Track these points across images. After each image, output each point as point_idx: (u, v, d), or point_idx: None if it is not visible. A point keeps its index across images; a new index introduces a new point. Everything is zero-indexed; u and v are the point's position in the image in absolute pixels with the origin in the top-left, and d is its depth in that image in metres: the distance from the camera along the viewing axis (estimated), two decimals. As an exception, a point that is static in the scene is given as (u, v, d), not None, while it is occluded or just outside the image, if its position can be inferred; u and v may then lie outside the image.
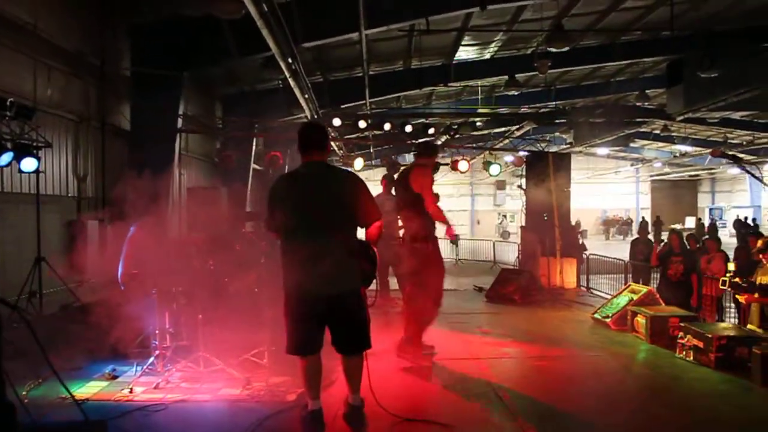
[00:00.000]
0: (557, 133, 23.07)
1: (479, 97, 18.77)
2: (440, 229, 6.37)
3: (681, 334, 6.48)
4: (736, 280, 7.42)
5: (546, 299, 9.95)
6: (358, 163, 11.21)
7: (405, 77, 15.87)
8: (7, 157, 6.77)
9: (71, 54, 8.98)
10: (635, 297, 8.03)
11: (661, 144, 28.58)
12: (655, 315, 7.14)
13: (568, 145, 23.27)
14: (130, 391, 5.12)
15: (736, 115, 19.26)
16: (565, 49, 12.14)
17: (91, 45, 9.49)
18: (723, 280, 7.59)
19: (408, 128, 12.71)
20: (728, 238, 26.38)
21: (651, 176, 42.36)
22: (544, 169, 11.86)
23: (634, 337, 7.32)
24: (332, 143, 17.97)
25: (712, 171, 37.94)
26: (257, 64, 12.29)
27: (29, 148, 7.09)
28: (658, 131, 23.61)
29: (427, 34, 11.47)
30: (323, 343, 4.27)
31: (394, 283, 9.37)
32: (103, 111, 9.93)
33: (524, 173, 13.28)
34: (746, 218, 31.70)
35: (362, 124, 13.39)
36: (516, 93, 17.12)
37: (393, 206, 9.11)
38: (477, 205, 43.58)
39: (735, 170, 34.66)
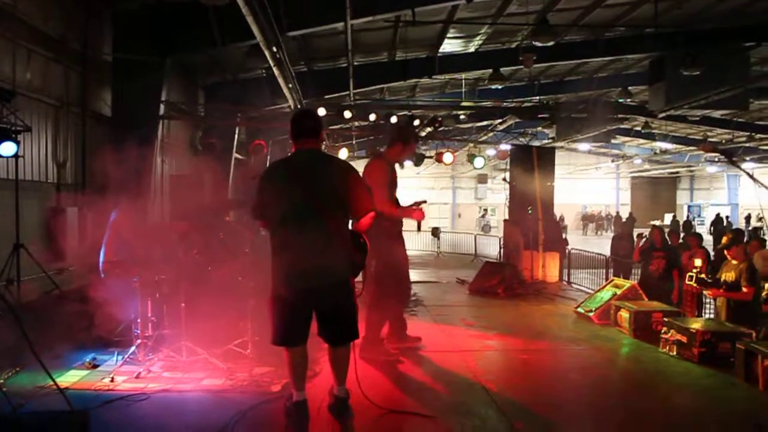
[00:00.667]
0: (540, 128, 23.10)
1: (463, 90, 18.75)
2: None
3: (664, 329, 6.51)
4: (702, 276, 7.54)
5: (529, 293, 9.97)
6: (343, 153, 11.12)
7: (389, 68, 15.81)
8: (-15, 140, 6.62)
9: (52, 38, 8.81)
10: (619, 291, 8.07)
11: (641, 141, 28.84)
12: (638, 310, 7.17)
13: (550, 140, 23.36)
14: (112, 381, 5.02)
15: (716, 114, 19.42)
16: (550, 43, 12.15)
17: (73, 30, 9.33)
18: (690, 276, 7.74)
19: (393, 119, 12.64)
20: (706, 236, 26.67)
21: (631, 173, 42.76)
22: (529, 163, 11.88)
23: (618, 331, 7.35)
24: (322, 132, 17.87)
25: (691, 168, 38.37)
26: (241, 53, 12.18)
27: (8, 132, 6.93)
28: (639, 128, 23.78)
29: (412, 25, 11.42)
30: (309, 334, 4.22)
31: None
32: (84, 96, 9.78)
33: (508, 167, 13.29)
34: (728, 217, 32.15)
35: (347, 114, 13.29)
36: (500, 87, 17.09)
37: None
38: (458, 199, 43.72)
39: (713, 168, 35.10)
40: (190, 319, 5.46)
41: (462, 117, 19.00)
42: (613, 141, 27.37)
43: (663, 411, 4.86)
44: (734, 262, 7.49)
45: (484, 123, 22.94)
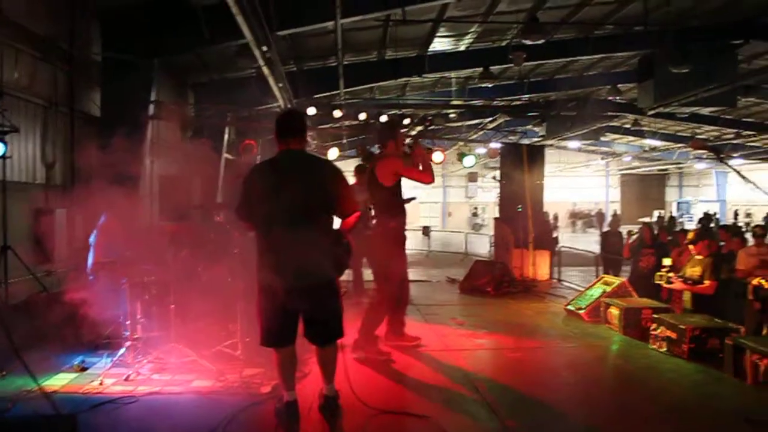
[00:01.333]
0: (530, 126, 23.15)
1: (453, 88, 18.76)
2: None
3: (654, 325, 6.54)
4: (670, 274, 7.65)
5: (519, 291, 9.97)
6: (333, 153, 11.10)
7: (380, 67, 15.79)
8: (-27, 141, 6.57)
9: (40, 37, 8.73)
10: (608, 289, 8.10)
11: (631, 138, 28.93)
12: (628, 306, 7.19)
13: (540, 138, 23.42)
14: (101, 383, 4.99)
15: (705, 111, 19.55)
16: (540, 41, 12.17)
17: (60, 29, 9.25)
18: (659, 275, 7.87)
19: (383, 118, 12.63)
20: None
21: (620, 170, 42.95)
22: (519, 161, 11.90)
23: (608, 328, 7.37)
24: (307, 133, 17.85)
25: (680, 165, 38.61)
26: (231, 52, 12.12)
27: (-4, 132, 6.89)
28: (628, 125, 23.89)
29: (402, 24, 11.41)
30: (297, 334, 4.21)
31: (368, 274, 9.33)
32: (73, 96, 9.70)
33: (498, 165, 13.32)
34: (715, 213, 32.36)
35: (337, 113, 13.28)
36: (490, 85, 17.12)
37: (365, 197, 9.09)
38: (449, 197, 43.75)
39: (702, 165, 35.29)
40: (179, 321, 5.44)
41: (452, 115, 19.02)
42: (602, 138, 27.46)
43: (653, 407, 4.87)
44: (699, 257, 7.65)
45: (475, 121, 22.96)
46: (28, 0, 8.53)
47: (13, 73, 8.18)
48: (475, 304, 8.99)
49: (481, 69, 15.72)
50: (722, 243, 10.58)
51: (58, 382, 5.08)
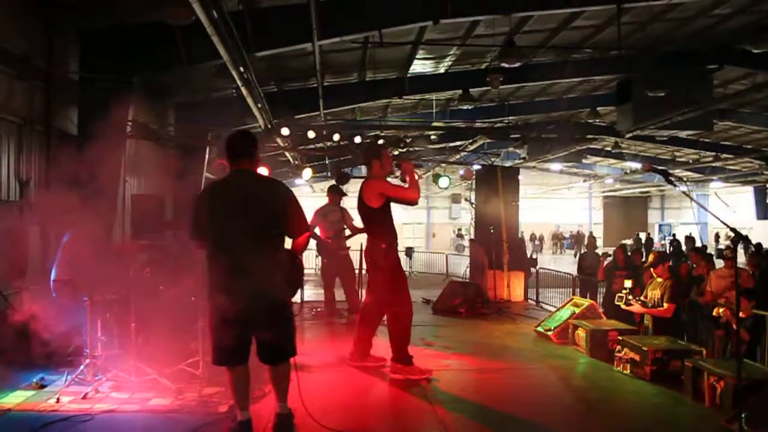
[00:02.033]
0: (511, 148, 23.34)
1: (434, 110, 18.91)
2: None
3: (618, 347, 6.58)
4: (630, 297, 7.76)
5: (492, 312, 9.99)
6: (306, 173, 11.13)
7: (360, 89, 15.92)
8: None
9: (15, 55, 8.75)
10: (577, 310, 8.13)
11: (612, 161, 29.25)
12: (595, 328, 7.22)
13: (522, 160, 23.60)
14: (57, 401, 4.96)
15: (683, 134, 19.79)
16: (517, 64, 12.33)
17: (37, 47, 9.28)
18: (619, 296, 7.91)
19: (357, 139, 12.70)
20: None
21: (603, 192, 43.25)
22: (493, 183, 11.99)
23: (575, 350, 7.40)
24: (286, 153, 17.91)
25: (662, 188, 38.90)
26: (210, 73, 12.19)
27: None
28: (609, 148, 24.13)
29: (380, 46, 11.53)
30: (250, 354, 4.22)
31: (340, 294, 9.36)
32: (49, 115, 9.71)
33: (473, 187, 13.41)
34: (700, 238, 32.57)
35: (311, 134, 13.37)
36: (469, 107, 17.26)
37: (339, 217, 9.14)
38: (432, 218, 43.82)
39: (683, 188, 35.54)
40: (141, 339, 5.43)
41: (433, 137, 19.14)
42: (584, 161, 27.71)
43: (610, 429, 4.90)
44: (659, 279, 7.69)
45: (458, 143, 23.12)
46: (3, 18, 8.57)
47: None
48: (447, 325, 9.00)
49: (460, 91, 15.92)
50: (694, 266, 10.69)
51: (15, 399, 5.04)
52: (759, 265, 10.14)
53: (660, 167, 5.26)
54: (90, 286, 5.45)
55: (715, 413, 5.09)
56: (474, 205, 10.71)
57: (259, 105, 12.20)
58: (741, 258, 12.11)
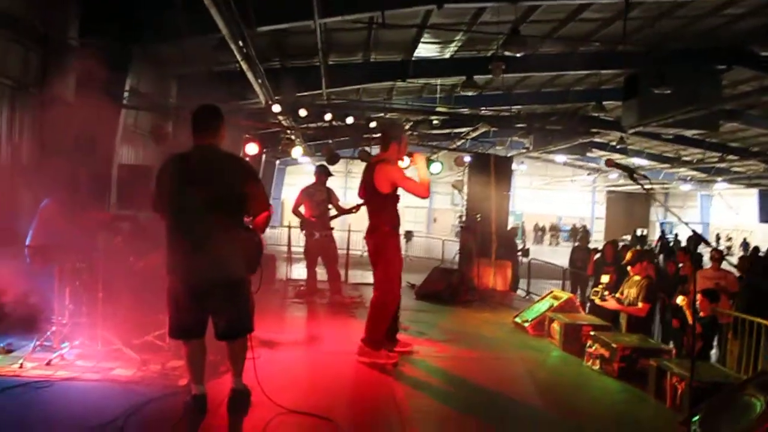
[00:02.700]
0: (516, 137, 23.26)
1: (438, 95, 18.81)
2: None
3: (590, 342, 6.58)
4: (606, 292, 7.79)
5: (475, 300, 9.99)
6: (296, 151, 11.12)
7: (364, 69, 15.84)
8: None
9: (12, 17, 8.75)
10: (556, 303, 8.13)
11: (617, 156, 29.07)
12: (569, 322, 7.22)
13: (525, 150, 23.51)
14: (20, 366, 5.00)
15: (689, 133, 19.65)
16: (520, 54, 12.24)
17: (36, 11, 9.26)
18: (595, 291, 7.98)
19: (349, 120, 12.63)
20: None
21: (607, 186, 43.09)
22: (486, 172, 11.95)
23: (549, 342, 7.41)
24: (289, 132, 17.89)
25: (666, 186, 38.69)
26: (212, 46, 12.15)
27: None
28: (614, 143, 24.00)
29: (384, 28, 11.46)
30: (206, 329, 4.25)
31: (321, 273, 9.38)
32: (45, 79, 9.71)
33: (467, 174, 13.37)
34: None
35: (302, 112, 13.33)
36: (473, 94, 17.15)
37: (324, 197, 9.15)
38: (435, 203, 43.75)
39: (687, 187, 35.42)
40: (109, 309, 5.47)
41: (435, 122, 19.05)
42: (589, 154, 27.60)
43: (568, 424, 4.92)
44: (636, 278, 7.68)
45: (464, 129, 23.03)
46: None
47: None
48: (426, 310, 9.01)
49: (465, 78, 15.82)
50: (680, 264, 10.66)
51: (-21, 363, 5.11)
52: (749, 270, 10.09)
53: (624, 164, 5.23)
54: (62, 254, 5.48)
55: (675, 414, 5.08)
56: (461, 192, 10.68)
57: (260, 81, 12.17)
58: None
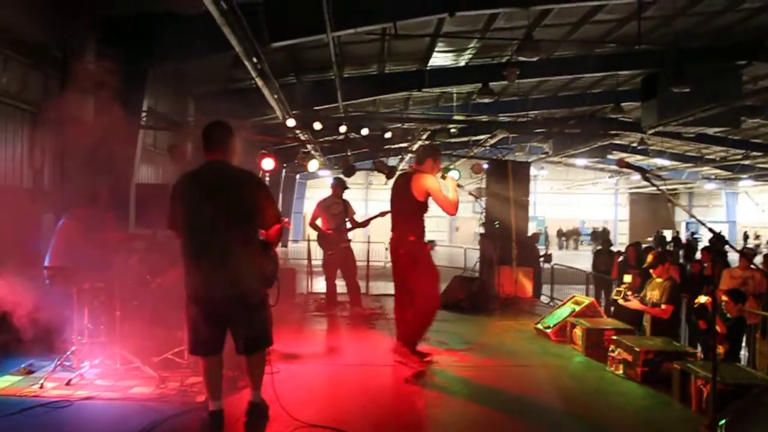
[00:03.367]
0: (535, 143, 23.14)
1: (454, 104, 18.79)
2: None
3: (612, 347, 6.48)
4: (629, 292, 7.67)
5: (496, 308, 9.91)
6: (313, 164, 11.17)
7: (379, 81, 15.89)
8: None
9: (31, 44, 8.91)
10: (577, 308, 8.02)
11: (639, 157, 28.80)
12: (591, 327, 7.13)
13: (545, 155, 23.38)
14: (41, 387, 5.05)
15: (710, 131, 19.41)
16: (535, 58, 12.20)
17: (53, 37, 9.42)
18: (617, 291, 7.85)
19: (364, 131, 12.68)
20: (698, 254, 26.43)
21: (629, 188, 42.62)
22: (503, 178, 11.90)
23: (571, 348, 7.30)
24: (308, 146, 17.93)
25: (690, 186, 38.18)
26: (227, 63, 12.27)
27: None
28: (635, 144, 23.77)
29: (397, 38, 11.48)
30: (225, 344, 4.26)
31: (341, 286, 9.37)
32: (64, 103, 9.85)
33: (485, 181, 13.32)
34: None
35: (317, 125, 13.35)
36: (489, 101, 17.10)
37: (341, 210, 9.15)
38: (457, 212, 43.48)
39: (711, 185, 34.94)
40: (126, 327, 5.50)
41: (453, 131, 19.02)
42: (609, 157, 27.35)
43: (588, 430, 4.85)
44: (659, 280, 7.57)
45: (482, 137, 22.95)
46: (21, 8, 8.70)
47: (2, 79, 8.34)
48: (447, 320, 8.92)
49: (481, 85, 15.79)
50: (705, 265, 10.50)
51: (1, 384, 5.15)
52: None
53: (637, 165, 5.17)
54: (81, 274, 5.53)
55: (701, 418, 4.96)
56: (478, 200, 10.64)
57: (276, 96, 12.23)
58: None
